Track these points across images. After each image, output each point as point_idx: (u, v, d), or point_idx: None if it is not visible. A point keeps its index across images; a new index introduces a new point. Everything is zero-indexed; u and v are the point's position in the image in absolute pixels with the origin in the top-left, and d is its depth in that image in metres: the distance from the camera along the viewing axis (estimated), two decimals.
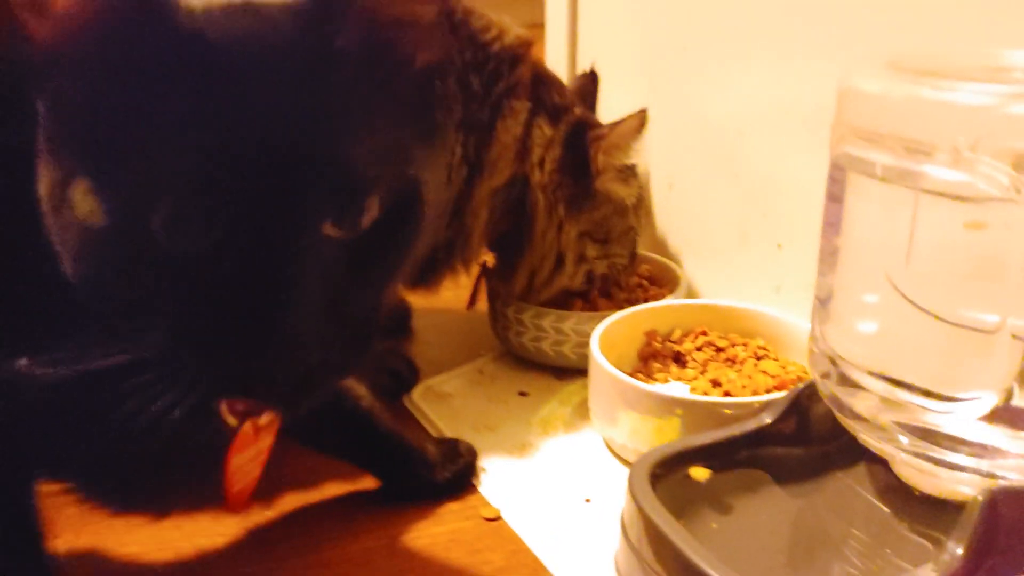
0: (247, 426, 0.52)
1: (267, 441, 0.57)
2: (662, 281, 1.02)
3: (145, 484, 0.74)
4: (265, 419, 0.52)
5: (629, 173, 0.94)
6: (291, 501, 0.75)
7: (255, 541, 0.71)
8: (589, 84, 1.01)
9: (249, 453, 0.57)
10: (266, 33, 0.41)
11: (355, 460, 0.75)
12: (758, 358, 0.85)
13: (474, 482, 0.77)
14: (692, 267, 1.02)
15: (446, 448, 0.78)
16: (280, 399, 0.44)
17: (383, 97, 0.44)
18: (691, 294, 0.99)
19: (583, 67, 1.09)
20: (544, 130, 0.87)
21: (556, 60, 1.21)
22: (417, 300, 1.01)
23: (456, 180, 0.82)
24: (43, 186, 0.42)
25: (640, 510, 0.61)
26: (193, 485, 0.76)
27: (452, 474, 0.76)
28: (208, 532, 0.71)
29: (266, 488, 0.75)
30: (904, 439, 0.62)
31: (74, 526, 0.72)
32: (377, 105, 0.44)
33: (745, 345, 0.86)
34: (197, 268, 0.40)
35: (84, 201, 0.40)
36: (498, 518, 0.73)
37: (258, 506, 0.74)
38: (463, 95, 0.81)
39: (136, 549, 0.70)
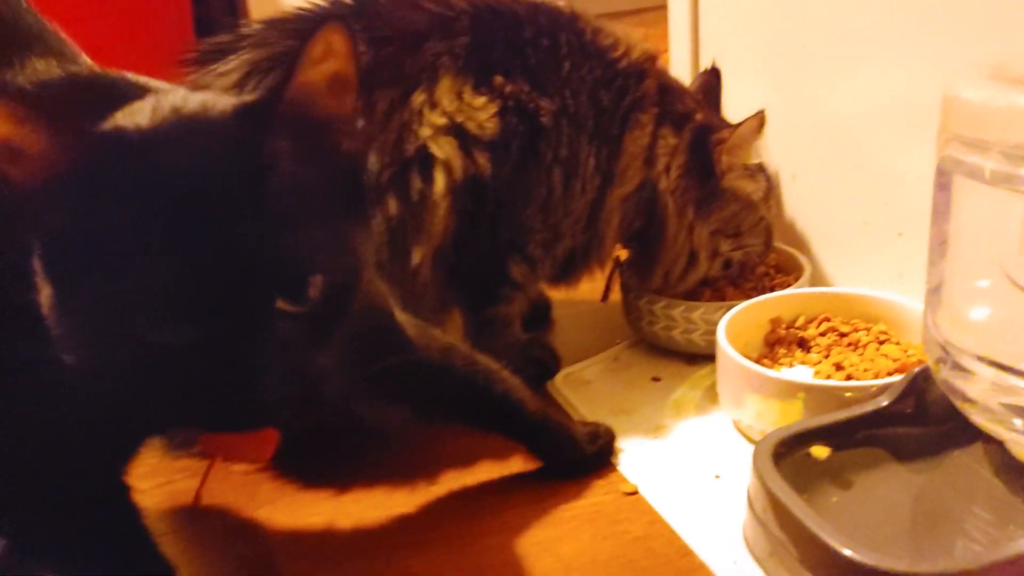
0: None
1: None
2: (787, 269, 1.07)
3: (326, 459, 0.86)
4: None
5: (756, 169, 0.99)
6: (452, 477, 0.85)
7: (423, 512, 0.81)
8: (712, 80, 1.06)
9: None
10: (202, 148, 0.49)
11: (514, 439, 0.84)
12: (880, 342, 0.89)
13: (613, 460, 0.85)
14: (816, 255, 1.06)
15: (588, 429, 0.86)
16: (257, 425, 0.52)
17: (315, 190, 0.51)
18: (815, 281, 1.04)
19: (705, 61, 1.14)
20: (669, 139, 0.93)
21: (679, 56, 1.26)
22: (555, 293, 1.10)
23: (589, 189, 0.90)
24: (43, 298, 0.49)
25: (764, 486, 0.67)
26: (367, 463, 0.87)
27: (594, 452, 0.84)
28: (382, 504, 0.82)
29: (430, 466, 0.86)
30: (1017, 421, 0.66)
31: (271, 499, 0.84)
32: (309, 198, 0.51)
33: (868, 330, 0.91)
34: (178, 349, 0.47)
35: (73, 313, 0.49)
36: (635, 492, 0.81)
37: (423, 482, 0.85)
38: (594, 110, 0.88)
39: (323, 518, 0.81)
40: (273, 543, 0.79)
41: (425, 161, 0.83)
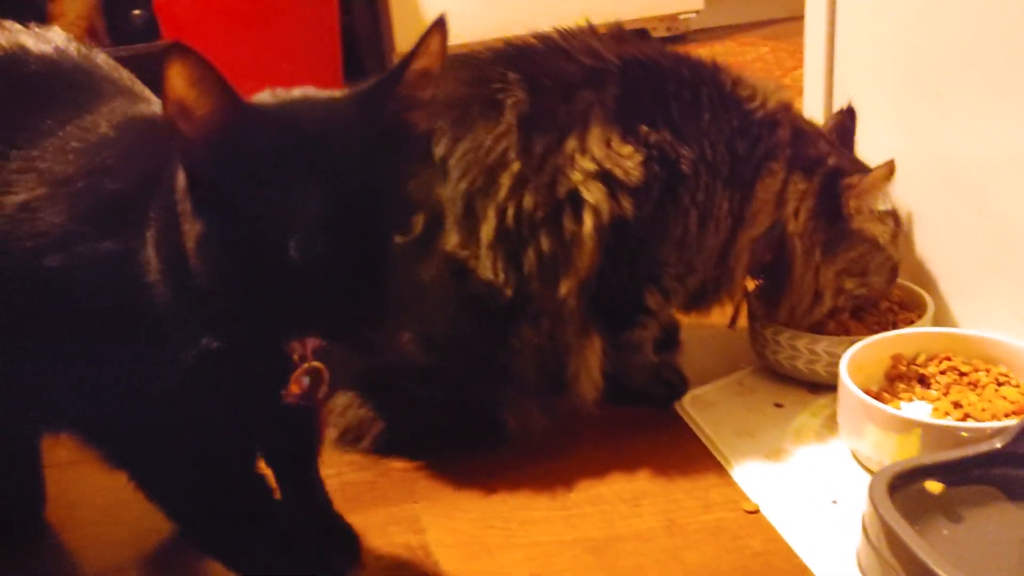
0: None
1: None
2: (911, 306, 1.11)
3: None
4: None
5: (885, 214, 1.04)
6: (587, 485, 0.94)
7: (563, 515, 0.91)
8: (847, 120, 1.12)
9: None
10: (336, 118, 0.63)
11: None
12: (999, 384, 0.94)
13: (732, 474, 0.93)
14: (941, 294, 1.11)
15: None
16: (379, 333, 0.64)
17: (410, 153, 0.64)
18: (938, 320, 1.08)
19: (838, 99, 1.19)
20: (799, 184, 1.00)
21: (813, 95, 1.31)
22: (684, 317, 1.17)
23: (722, 230, 0.97)
24: (190, 235, 0.62)
25: (879, 514, 0.74)
26: (513, 469, 0.97)
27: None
28: (526, 507, 0.92)
29: (567, 474, 0.95)
30: None
31: (428, 495, 0.95)
32: (409, 158, 0.64)
33: (987, 371, 0.96)
34: (321, 270, 0.59)
35: (222, 243, 0.61)
36: (757, 511, 0.88)
37: (562, 488, 0.94)
38: (730, 158, 0.96)
39: (474, 515, 0.92)
40: (430, 535, 0.90)
41: (576, 203, 0.92)
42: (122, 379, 0.68)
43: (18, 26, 0.83)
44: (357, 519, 0.91)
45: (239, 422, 0.72)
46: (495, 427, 0.99)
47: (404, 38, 3.20)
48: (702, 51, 3.42)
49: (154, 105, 0.78)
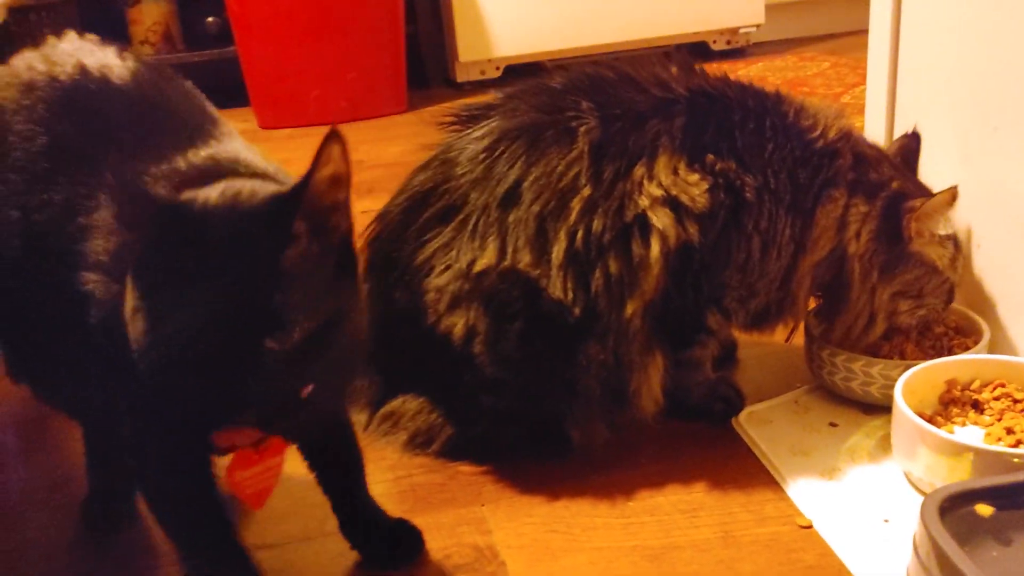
0: (248, 450, 0.75)
1: (273, 460, 0.78)
2: (967, 331, 1.14)
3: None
4: (265, 445, 0.76)
5: (945, 238, 1.07)
6: (645, 496, 0.99)
7: (622, 523, 0.95)
8: (912, 144, 1.15)
9: (256, 469, 0.78)
10: (242, 224, 0.67)
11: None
12: None
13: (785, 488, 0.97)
14: (998, 321, 1.13)
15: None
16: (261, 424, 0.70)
17: (318, 259, 0.68)
18: (994, 346, 1.11)
19: (900, 115, 1.22)
20: (860, 207, 1.03)
21: (874, 115, 1.34)
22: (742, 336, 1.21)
23: (784, 256, 1.01)
24: (128, 298, 0.68)
25: (930, 535, 0.78)
26: (575, 477, 1.02)
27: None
28: (588, 513, 0.97)
29: (626, 484, 1.00)
30: None
31: (494, 499, 1.01)
32: (312, 266, 0.68)
33: None
34: (179, 364, 0.65)
35: (138, 318, 0.66)
36: (810, 527, 0.92)
37: (622, 498, 0.99)
38: (791, 186, 1.00)
39: (539, 520, 0.97)
40: (496, 537, 0.95)
41: (644, 227, 0.97)
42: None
43: (103, 51, 0.91)
44: (427, 519, 0.97)
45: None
46: (559, 438, 1.04)
47: (467, 47, 3.27)
48: (762, 65, 3.45)
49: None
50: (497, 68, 3.36)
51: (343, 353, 0.72)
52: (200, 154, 0.82)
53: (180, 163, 0.80)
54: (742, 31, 3.41)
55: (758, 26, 3.39)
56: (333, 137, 0.67)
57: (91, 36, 0.95)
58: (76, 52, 0.90)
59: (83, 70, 0.88)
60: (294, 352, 0.66)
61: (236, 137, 0.89)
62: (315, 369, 0.68)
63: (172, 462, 0.81)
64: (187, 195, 0.70)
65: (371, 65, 3.06)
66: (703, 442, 1.08)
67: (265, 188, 0.71)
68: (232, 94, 2.82)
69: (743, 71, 3.05)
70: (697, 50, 3.40)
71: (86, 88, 0.87)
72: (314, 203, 0.68)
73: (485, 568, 0.91)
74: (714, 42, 3.41)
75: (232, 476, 0.77)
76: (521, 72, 3.40)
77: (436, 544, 0.95)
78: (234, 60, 3.17)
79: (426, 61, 3.51)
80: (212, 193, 0.70)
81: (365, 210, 2.04)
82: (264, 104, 3.07)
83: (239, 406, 0.67)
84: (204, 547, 0.84)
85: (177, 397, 0.69)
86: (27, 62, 0.90)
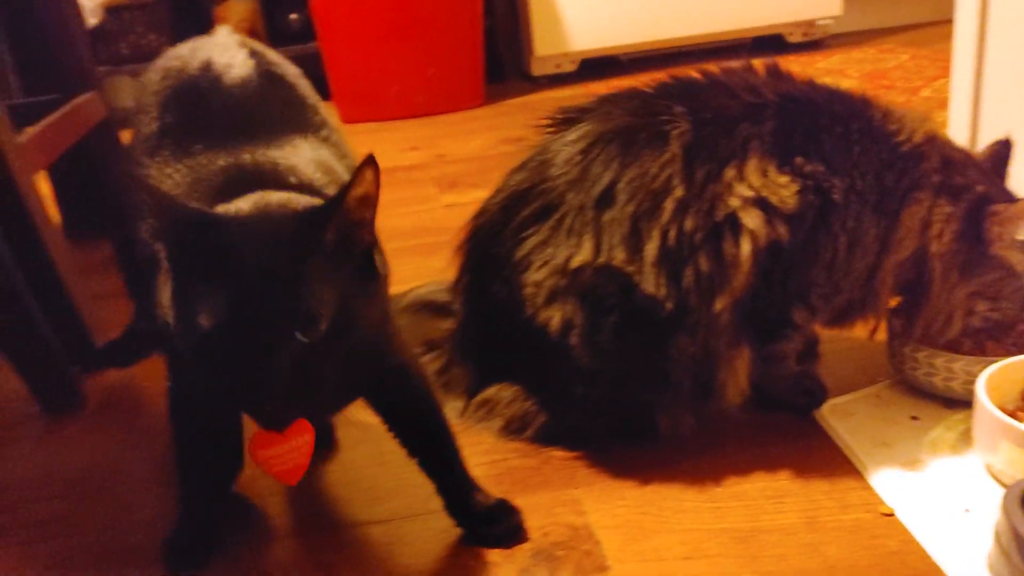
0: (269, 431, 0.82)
1: (300, 439, 0.84)
2: None
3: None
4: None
5: None
6: (733, 482, 1.04)
7: (711, 508, 1.01)
8: (1003, 150, 1.17)
9: (280, 448, 0.84)
10: (272, 233, 0.76)
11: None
12: None
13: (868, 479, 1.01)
14: None
15: (490, 503, 1.02)
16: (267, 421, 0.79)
17: (340, 267, 0.77)
18: None
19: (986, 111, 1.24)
20: (944, 208, 1.07)
21: (959, 111, 1.36)
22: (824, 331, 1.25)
23: (869, 255, 1.05)
24: (164, 290, 0.79)
25: (1011, 525, 0.82)
26: (664, 463, 1.08)
27: (500, 530, 1.00)
28: (677, 498, 1.03)
29: (714, 471, 1.05)
30: None
31: (587, 482, 1.07)
32: (335, 272, 0.76)
33: None
34: (212, 355, 0.74)
35: (174, 307, 0.77)
36: (892, 514, 0.96)
37: (711, 483, 1.04)
38: (877, 188, 1.04)
39: (630, 503, 1.03)
40: (591, 517, 1.01)
41: (734, 227, 1.02)
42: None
43: (237, 50, 1.01)
44: (524, 500, 1.03)
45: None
46: (648, 427, 1.10)
47: (543, 41, 3.32)
48: (839, 58, 3.43)
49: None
50: (572, 62, 3.41)
51: (358, 348, 0.81)
52: (263, 156, 0.91)
53: (243, 160, 0.90)
54: (819, 23, 3.40)
55: (835, 17, 3.37)
56: (368, 162, 0.76)
57: (229, 32, 1.07)
58: (213, 48, 1.01)
59: (205, 66, 0.99)
60: (319, 345, 0.75)
61: (326, 143, 0.99)
62: (334, 360, 0.78)
63: (199, 408, 0.94)
64: (220, 207, 0.80)
65: (450, 60, 3.13)
66: (787, 433, 1.12)
67: (299, 200, 0.81)
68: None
69: (821, 64, 3.04)
70: (773, 43, 3.40)
71: (198, 85, 0.97)
72: (344, 218, 0.77)
73: (581, 546, 0.97)
74: (790, 35, 3.40)
75: (256, 455, 0.84)
76: (596, 66, 3.44)
77: (534, 523, 1.01)
78: (316, 56, 3.27)
79: (502, 55, 3.57)
80: (245, 204, 0.79)
81: (450, 204, 2.14)
82: (345, 99, 3.17)
83: (266, 394, 0.75)
84: (190, 484, 1.01)
85: (207, 380, 0.79)
86: (181, 49, 1.03)
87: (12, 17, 1.87)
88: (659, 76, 1.15)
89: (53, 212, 2.03)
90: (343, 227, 0.77)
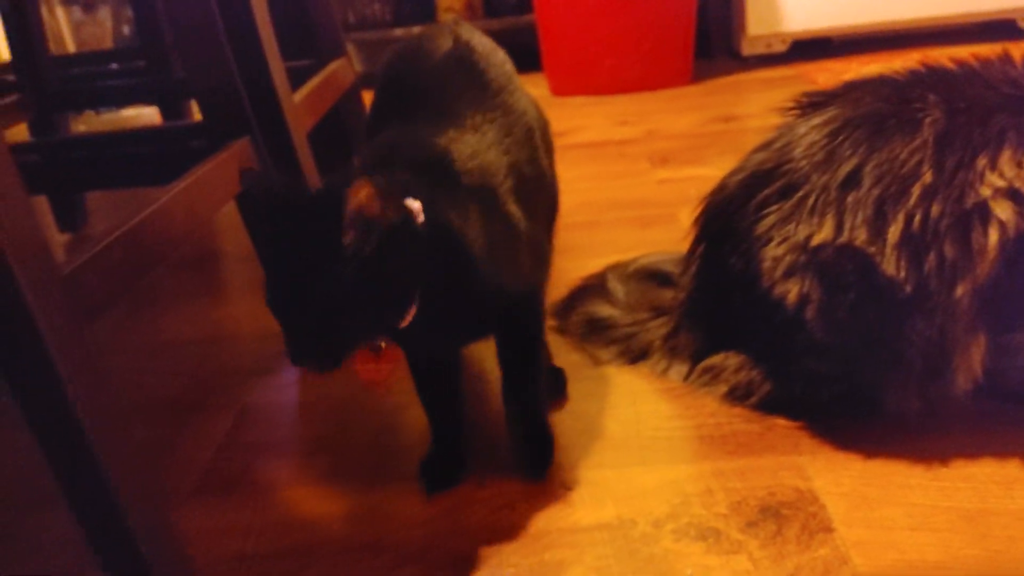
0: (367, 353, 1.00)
1: (386, 366, 1.03)
2: None
3: None
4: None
5: None
6: (960, 464, 1.07)
7: (936, 487, 1.04)
8: None
9: (372, 366, 1.03)
10: (300, 204, 0.92)
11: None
12: None
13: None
14: None
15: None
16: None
17: (366, 240, 0.87)
18: None
19: None
20: None
21: None
22: None
23: None
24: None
25: None
26: (879, 439, 1.11)
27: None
28: (891, 473, 1.06)
29: (940, 451, 1.08)
30: None
31: (812, 450, 1.12)
32: (363, 244, 0.87)
33: None
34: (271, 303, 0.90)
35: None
36: None
37: (936, 463, 1.07)
38: None
39: (855, 472, 1.07)
40: (816, 483, 1.07)
41: (983, 216, 1.03)
42: None
43: (440, 34, 1.18)
44: (749, 462, 1.10)
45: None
46: (872, 403, 1.13)
47: (757, 20, 3.31)
48: None
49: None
50: (783, 42, 3.37)
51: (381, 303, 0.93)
52: (421, 137, 1.05)
53: (395, 140, 1.06)
54: None
55: None
56: (359, 187, 0.86)
57: (456, 21, 1.23)
58: (433, 35, 1.19)
59: (415, 52, 1.17)
60: (350, 296, 0.88)
61: (493, 128, 1.10)
62: (368, 308, 0.90)
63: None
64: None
65: (663, 36, 3.17)
66: (1017, 423, 1.13)
67: (336, 189, 0.91)
68: (526, 61, 3.03)
69: None
70: (1002, 29, 3.24)
71: (406, 64, 1.17)
72: (353, 208, 0.86)
73: (807, 508, 1.03)
74: (1023, 20, 3.23)
75: (355, 365, 1.21)
76: (808, 47, 3.39)
77: (759, 482, 1.07)
78: (530, 28, 3.38)
79: (711, 33, 3.57)
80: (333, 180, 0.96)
81: (663, 179, 2.20)
82: (557, 71, 3.27)
83: (299, 347, 0.90)
84: (431, 415, 1.18)
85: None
86: (415, 37, 1.21)
87: None
88: (895, 62, 1.17)
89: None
90: (359, 216, 0.87)
